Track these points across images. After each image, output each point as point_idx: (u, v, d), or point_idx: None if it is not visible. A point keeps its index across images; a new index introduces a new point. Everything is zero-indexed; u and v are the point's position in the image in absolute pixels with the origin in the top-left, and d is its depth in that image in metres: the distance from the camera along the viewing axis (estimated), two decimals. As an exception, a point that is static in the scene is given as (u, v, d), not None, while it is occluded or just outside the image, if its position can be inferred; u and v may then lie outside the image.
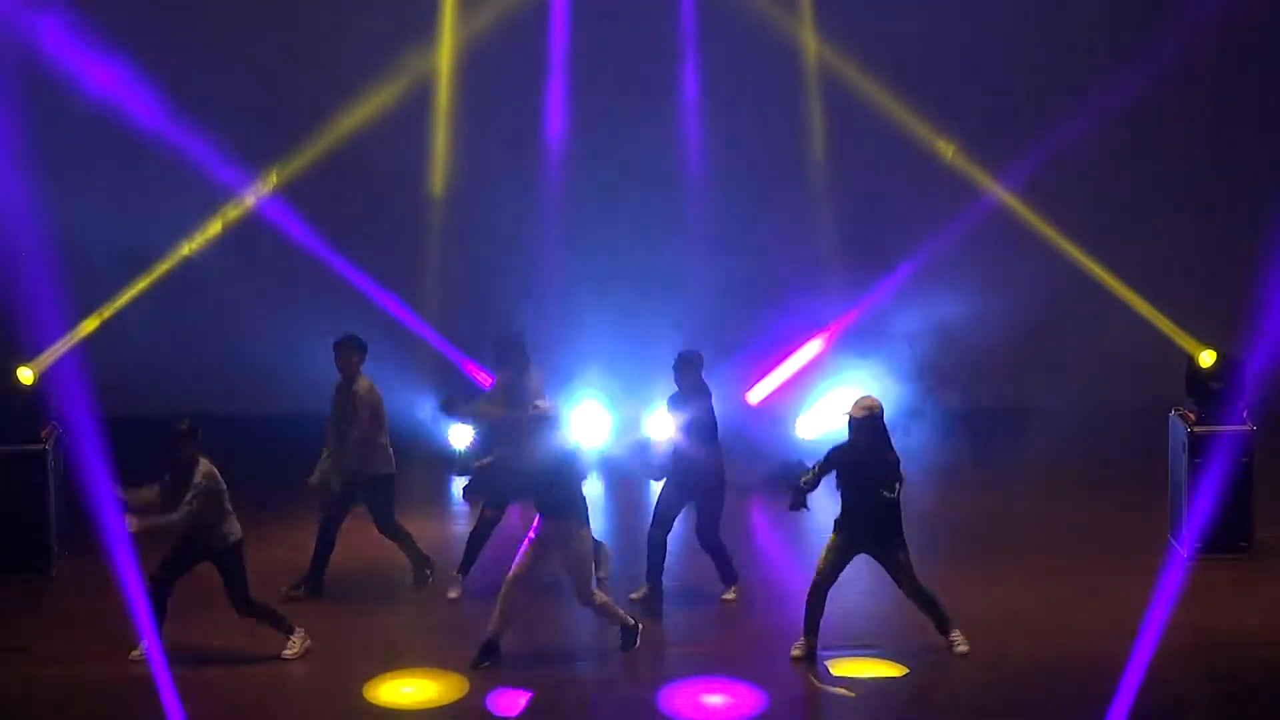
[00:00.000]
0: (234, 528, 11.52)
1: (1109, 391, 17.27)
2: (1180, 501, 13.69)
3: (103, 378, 15.17)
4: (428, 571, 13.17)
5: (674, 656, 11.97)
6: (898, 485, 11.35)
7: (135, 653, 11.48)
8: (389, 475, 13.04)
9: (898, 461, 11.43)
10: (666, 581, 12.91)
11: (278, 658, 11.61)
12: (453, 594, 12.91)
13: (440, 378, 17.55)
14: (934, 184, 17.41)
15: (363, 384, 12.85)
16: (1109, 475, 16.15)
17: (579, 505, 11.61)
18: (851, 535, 11.56)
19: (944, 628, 11.69)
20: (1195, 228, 17.73)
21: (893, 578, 11.62)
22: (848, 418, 11.53)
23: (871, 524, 11.48)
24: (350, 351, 12.87)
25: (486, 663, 11.46)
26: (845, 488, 11.57)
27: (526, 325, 16.59)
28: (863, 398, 11.66)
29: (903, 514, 11.53)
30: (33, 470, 13.32)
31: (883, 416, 11.52)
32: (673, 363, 12.84)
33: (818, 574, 11.63)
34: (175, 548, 11.48)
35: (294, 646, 11.64)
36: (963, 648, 11.61)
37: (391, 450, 13.01)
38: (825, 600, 11.62)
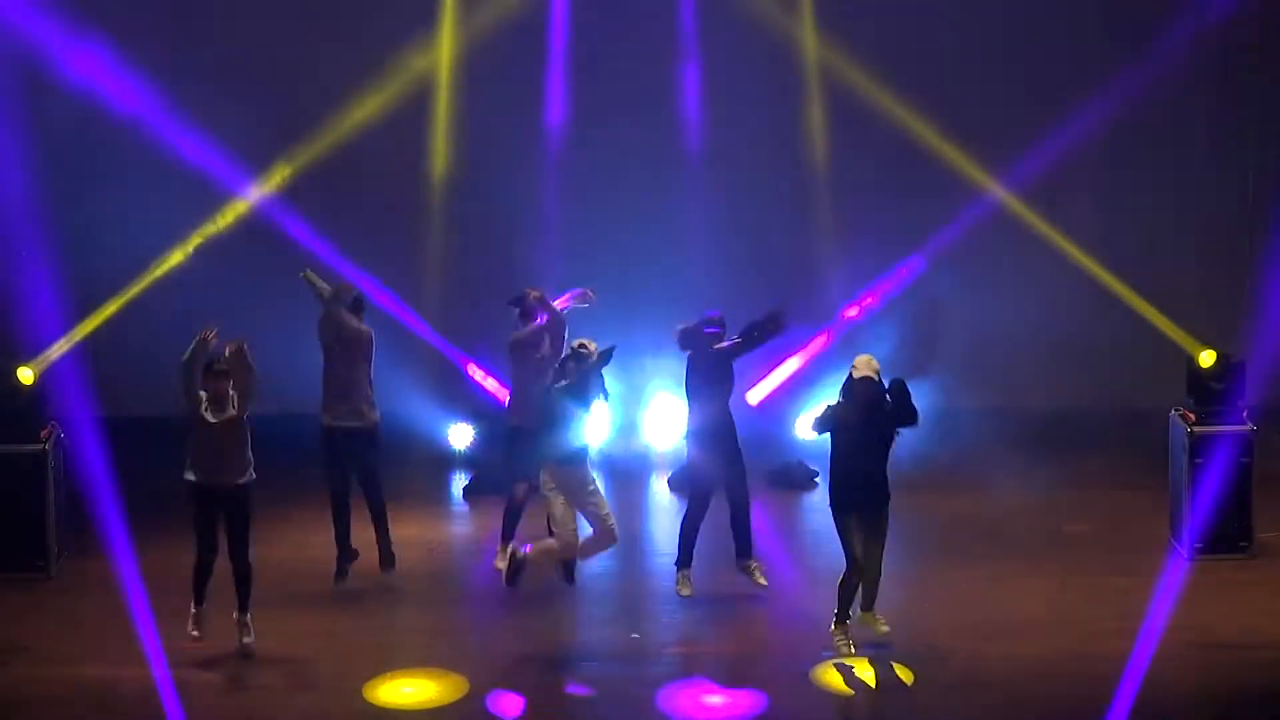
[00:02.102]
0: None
1: (1109, 391, 17.26)
2: (1180, 502, 13.68)
3: (103, 378, 15.19)
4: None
5: (674, 656, 11.97)
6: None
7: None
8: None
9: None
10: (662, 582, 12.90)
11: (277, 658, 11.62)
12: (502, 564, 12.74)
13: (439, 376, 17.56)
14: (934, 183, 17.39)
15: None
16: (1109, 475, 16.15)
17: (584, 448, 11.63)
18: (858, 507, 11.48)
19: (869, 604, 11.69)
20: (1196, 227, 17.72)
21: (866, 543, 11.49)
22: (853, 379, 11.40)
23: (874, 487, 11.47)
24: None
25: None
26: (848, 455, 11.45)
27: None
28: (866, 358, 11.55)
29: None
30: (33, 470, 13.30)
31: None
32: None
33: (855, 562, 11.49)
34: None
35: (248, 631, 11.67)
36: (885, 628, 11.66)
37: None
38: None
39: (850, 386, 11.46)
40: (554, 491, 11.68)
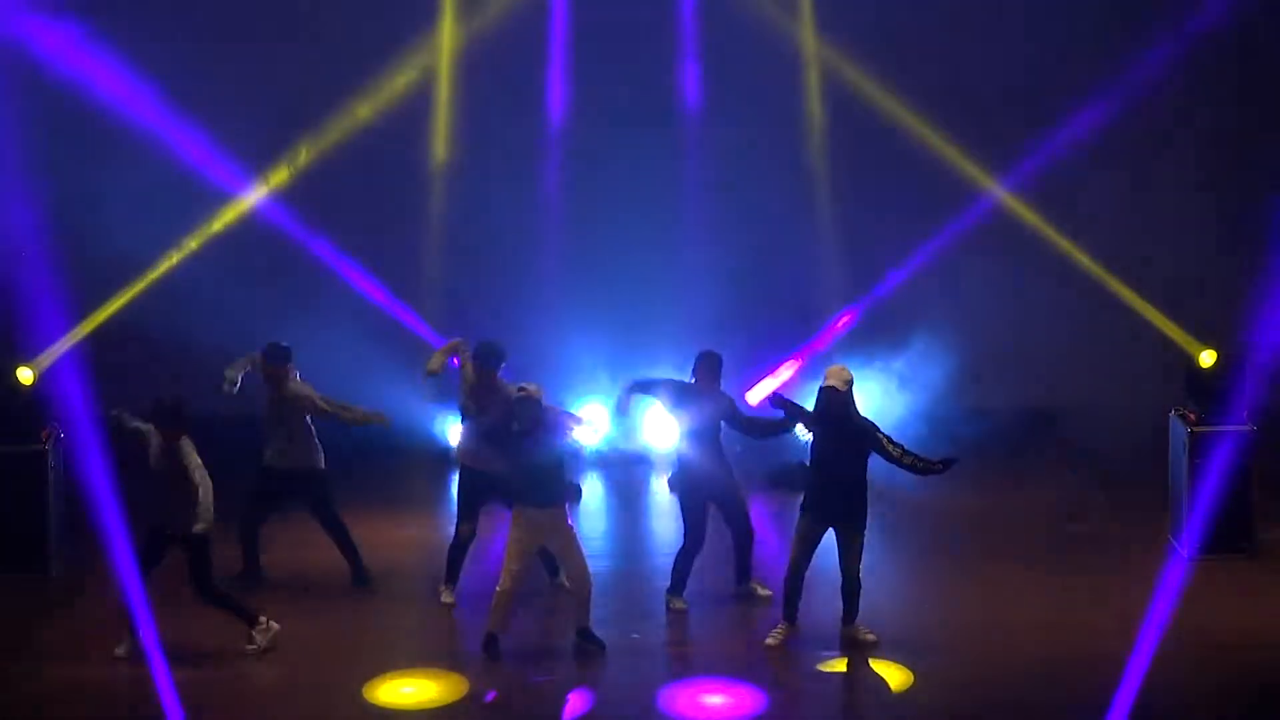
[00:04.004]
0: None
1: (1108, 391, 17.25)
2: (1181, 502, 13.68)
3: (103, 378, 15.17)
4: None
5: (674, 656, 11.97)
6: (888, 443, 11.47)
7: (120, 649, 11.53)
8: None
9: (874, 425, 11.56)
10: (662, 583, 12.91)
11: (277, 658, 11.62)
12: (448, 599, 12.86)
13: (439, 375, 17.54)
14: (935, 183, 17.38)
15: (297, 385, 12.99)
16: (1109, 476, 16.14)
17: (565, 490, 11.62)
18: (821, 514, 11.65)
19: (851, 619, 11.78)
20: (1196, 227, 17.70)
21: (841, 553, 11.65)
22: (826, 390, 11.52)
23: (843, 498, 11.57)
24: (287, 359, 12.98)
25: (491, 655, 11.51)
26: (817, 460, 11.66)
27: (524, 320, 16.62)
28: (837, 368, 11.65)
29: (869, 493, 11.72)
30: (33, 470, 13.31)
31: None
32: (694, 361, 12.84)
33: (794, 563, 11.74)
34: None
35: (260, 637, 11.63)
36: (870, 636, 11.76)
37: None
38: (802, 586, 11.75)
39: (818, 394, 11.61)
40: (519, 530, 11.55)
